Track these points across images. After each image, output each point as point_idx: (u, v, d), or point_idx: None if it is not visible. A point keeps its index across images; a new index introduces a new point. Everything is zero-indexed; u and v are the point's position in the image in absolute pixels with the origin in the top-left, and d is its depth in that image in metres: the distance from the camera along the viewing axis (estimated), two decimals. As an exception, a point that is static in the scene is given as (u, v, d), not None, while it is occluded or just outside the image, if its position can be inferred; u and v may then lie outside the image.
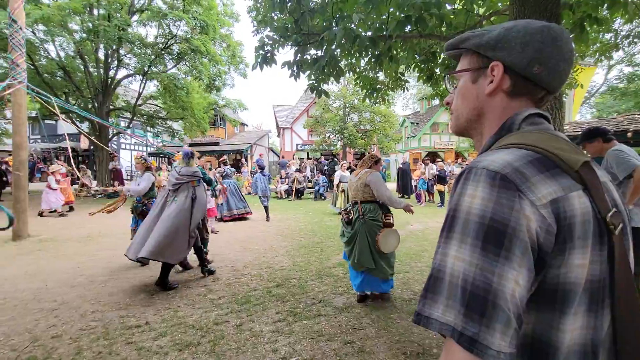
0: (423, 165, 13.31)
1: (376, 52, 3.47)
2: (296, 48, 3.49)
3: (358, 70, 4.46)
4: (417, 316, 0.53)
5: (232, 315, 3.20)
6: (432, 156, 21.23)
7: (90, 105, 13.99)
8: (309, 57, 3.61)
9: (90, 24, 11.47)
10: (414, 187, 13.57)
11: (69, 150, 7.86)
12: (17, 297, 3.65)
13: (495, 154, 0.57)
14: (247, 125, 34.82)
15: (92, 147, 13.35)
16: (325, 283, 4.05)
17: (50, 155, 25.22)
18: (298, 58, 3.50)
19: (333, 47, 3.33)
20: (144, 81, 14.60)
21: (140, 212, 4.77)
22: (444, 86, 4.31)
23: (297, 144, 25.18)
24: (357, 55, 3.65)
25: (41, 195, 9.20)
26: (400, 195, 13.81)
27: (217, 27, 14.06)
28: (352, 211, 3.49)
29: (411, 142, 23.46)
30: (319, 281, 4.12)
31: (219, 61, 14.63)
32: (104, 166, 14.29)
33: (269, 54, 3.46)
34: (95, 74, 13.94)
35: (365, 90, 4.65)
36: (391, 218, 3.45)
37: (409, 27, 2.88)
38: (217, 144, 25.90)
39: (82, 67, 13.60)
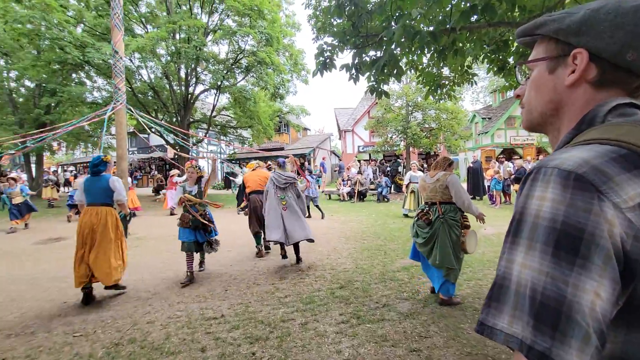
0: (497, 163, 12.18)
1: (439, 47, 3.31)
2: (355, 51, 3.51)
3: (420, 67, 4.30)
4: (480, 326, 0.51)
5: (298, 313, 3.32)
6: (508, 153, 19.27)
7: (174, 119, 15.83)
8: (367, 58, 3.59)
9: (173, 47, 13.01)
10: (486, 188, 12.49)
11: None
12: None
13: (570, 152, 0.51)
14: (309, 130, 35.84)
15: (176, 156, 15.12)
16: (390, 287, 3.97)
17: (144, 164, 29.10)
18: (357, 61, 3.51)
19: (392, 46, 3.27)
20: (217, 94, 16.04)
21: (200, 224, 4.45)
22: (519, 76, 3.92)
23: (358, 146, 25.09)
24: (419, 52, 3.52)
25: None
26: (470, 197, 12.87)
27: (280, 39, 14.79)
28: (430, 212, 3.57)
29: (483, 139, 21.63)
30: (382, 285, 4.05)
31: (282, 70, 15.37)
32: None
33: (328, 60, 3.53)
34: (178, 91, 15.73)
35: (428, 88, 4.46)
36: (467, 220, 3.57)
37: (475, 16, 2.69)
38: (282, 148, 27.12)
39: (167, 86, 15.48)
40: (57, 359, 2.65)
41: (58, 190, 14.03)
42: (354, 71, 3.56)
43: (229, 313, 3.39)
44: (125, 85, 9.40)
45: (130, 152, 27.99)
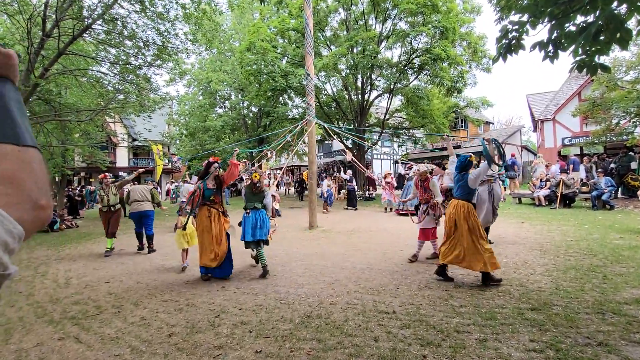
0: None
1: None
2: (552, 23, 2.87)
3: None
4: None
5: (475, 327, 3.03)
6: None
7: (351, 125, 17.45)
8: (573, 27, 2.86)
9: (351, 60, 14.39)
10: None
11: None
12: (311, 270, 5.15)
13: None
14: (492, 123, 31.44)
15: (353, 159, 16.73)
16: (610, 322, 3.00)
17: (328, 167, 33.47)
18: (555, 35, 2.86)
19: (614, 4, 2.47)
20: (390, 98, 16.54)
21: None
22: None
23: (562, 138, 19.89)
24: (663, 1, 2.50)
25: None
26: None
27: (457, 28, 13.75)
28: None
29: None
30: (598, 317, 3.11)
31: (459, 62, 14.19)
32: (362, 174, 17.34)
33: (513, 42, 3.05)
34: (355, 99, 17.24)
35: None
36: None
37: None
38: (458, 147, 24.97)
39: (346, 96, 17.24)
40: (270, 316, 3.49)
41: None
42: (550, 48, 2.92)
43: (400, 311, 3.47)
44: (315, 100, 11.16)
45: (317, 157, 32.81)
